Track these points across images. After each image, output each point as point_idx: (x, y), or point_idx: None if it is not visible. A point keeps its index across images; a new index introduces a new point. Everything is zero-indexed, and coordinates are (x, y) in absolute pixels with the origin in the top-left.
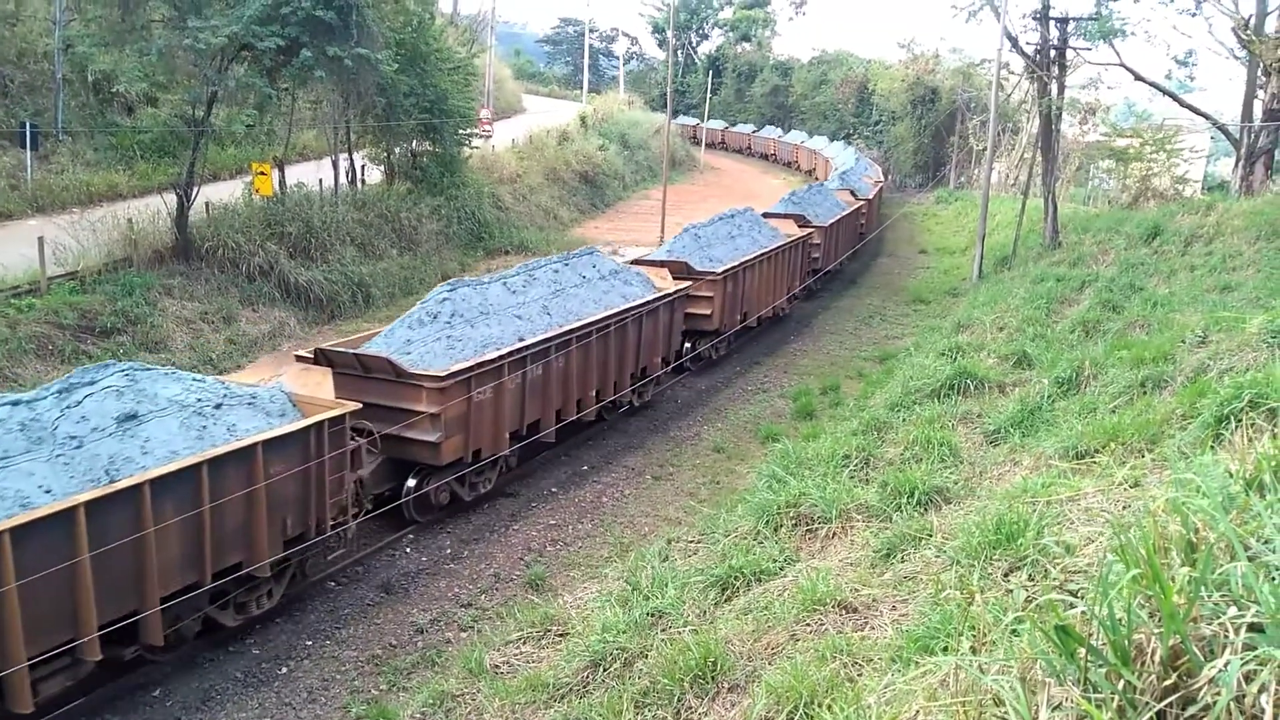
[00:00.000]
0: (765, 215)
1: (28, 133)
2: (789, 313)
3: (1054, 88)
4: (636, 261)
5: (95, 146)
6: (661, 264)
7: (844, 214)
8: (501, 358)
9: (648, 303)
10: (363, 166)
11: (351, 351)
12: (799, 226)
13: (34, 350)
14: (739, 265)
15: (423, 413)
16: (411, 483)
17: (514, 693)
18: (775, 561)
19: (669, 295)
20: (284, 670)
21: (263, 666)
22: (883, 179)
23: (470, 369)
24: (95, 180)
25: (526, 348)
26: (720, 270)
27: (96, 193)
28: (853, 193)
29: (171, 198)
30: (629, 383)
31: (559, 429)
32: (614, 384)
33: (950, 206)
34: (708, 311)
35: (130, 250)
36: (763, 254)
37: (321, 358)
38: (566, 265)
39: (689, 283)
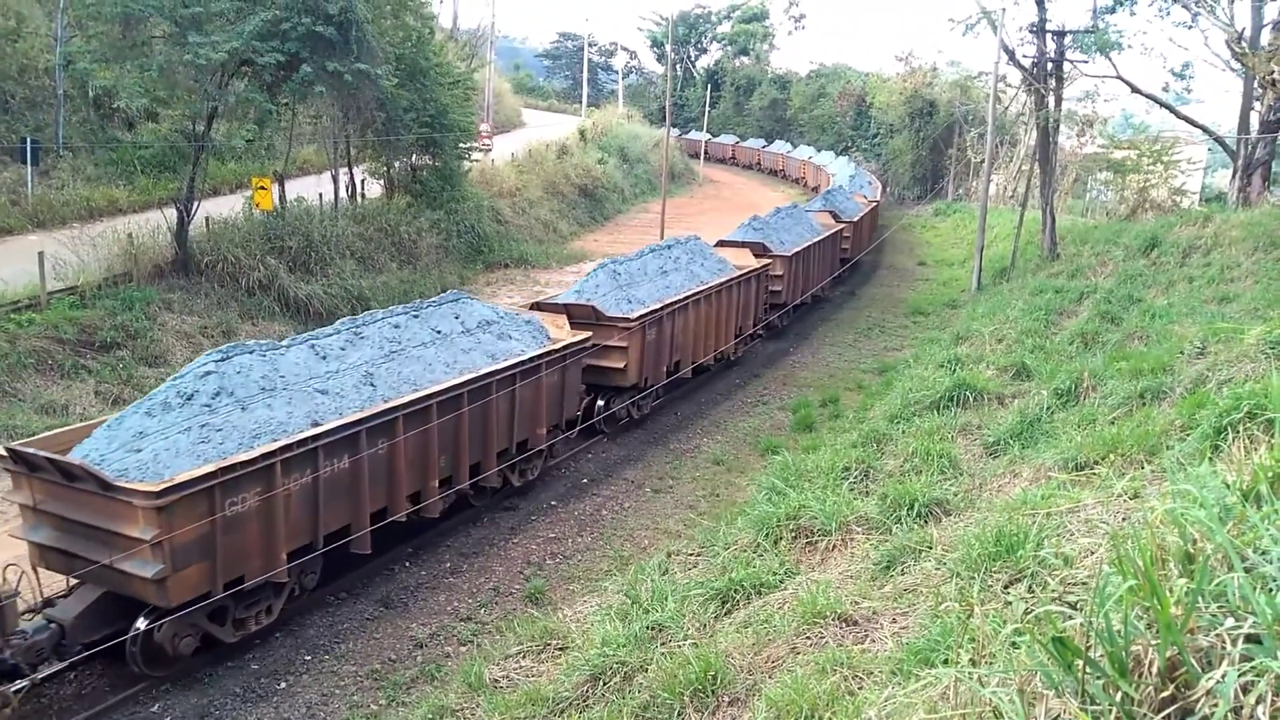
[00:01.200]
0: (720, 244)
1: (28, 148)
2: (740, 357)
3: (1051, 100)
4: (537, 306)
5: (96, 162)
6: (564, 308)
7: (816, 240)
8: (271, 454)
9: (525, 362)
10: (363, 181)
11: (45, 454)
12: (756, 256)
13: (34, 365)
14: (666, 307)
15: (137, 539)
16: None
17: (513, 707)
18: (775, 574)
19: (558, 350)
20: (283, 685)
21: (261, 682)
22: (878, 196)
23: (212, 475)
24: (95, 195)
25: (320, 435)
26: (637, 315)
27: (97, 208)
28: (834, 215)
29: (171, 212)
30: (497, 462)
31: (407, 522)
32: (473, 467)
33: (948, 219)
34: (621, 364)
35: (130, 265)
36: (698, 292)
37: (8, 459)
38: (415, 317)
39: (587, 334)
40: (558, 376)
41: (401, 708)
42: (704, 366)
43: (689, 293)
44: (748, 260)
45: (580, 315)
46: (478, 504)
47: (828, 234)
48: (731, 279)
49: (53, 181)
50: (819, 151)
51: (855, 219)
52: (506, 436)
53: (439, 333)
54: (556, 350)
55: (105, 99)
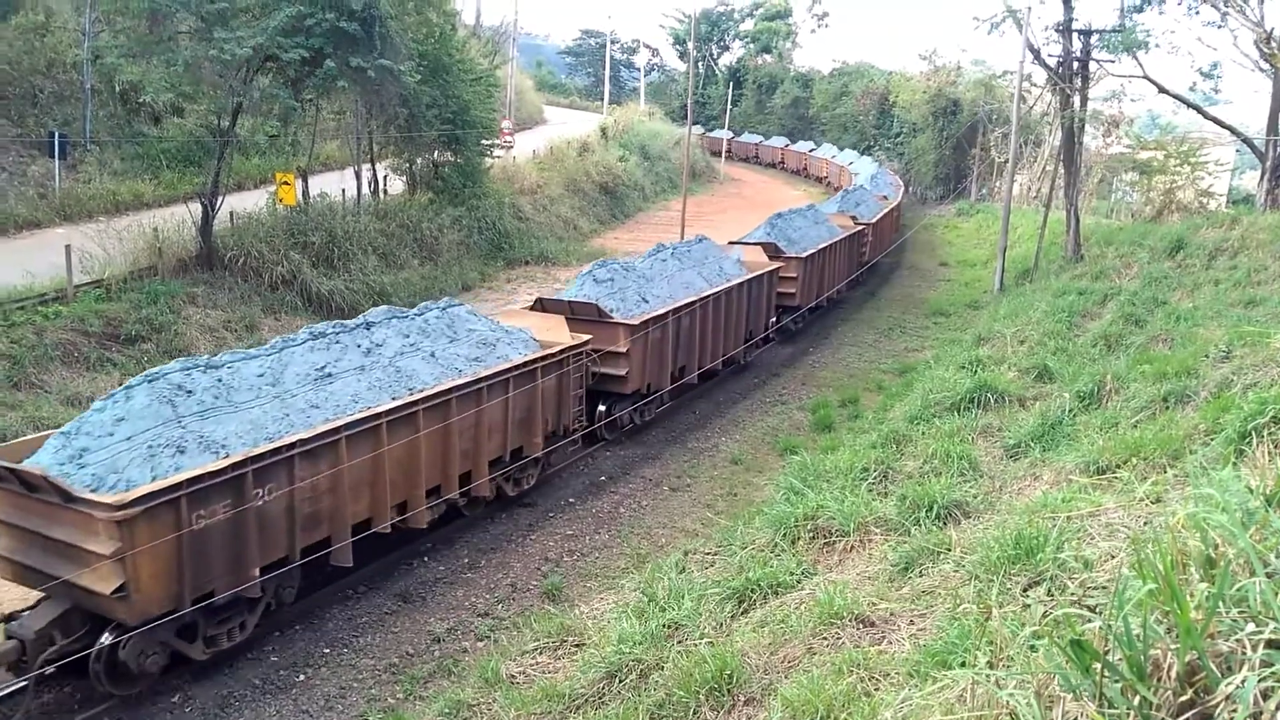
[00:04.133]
0: (733, 243)
1: (56, 142)
2: (751, 361)
3: (1077, 100)
4: (540, 303)
5: (122, 156)
6: (568, 305)
7: (832, 241)
8: (241, 464)
9: (517, 367)
10: (385, 177)
11: (6, 464)
12: (770, 257)
13: (60, 357)
14: (671, 310)
15: (98, 553)
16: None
17: (530, 703)
18: (793, 574)
19: (554, 355)
20: (301, 678)
21: (280, 674)
22: (900, 196)
23: (178, 487)
24: (121, 189)
25: (294, 445)
26: (640, 319)
27: (123, 202)
28: (853, 217)
29: (196, 207)
30: (490, 470)
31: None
32: (462, 476)
33: (971, 219)
34: (623, 371)
35: (155, 259)
36: (706, 295)
37: None
38: (402, 321)
39: (586, 336)
40: (554, 381)
41: (419, 702)
42: (712, 371)
43: (696, 296)
44: (760, 261)
45: (583, 314)
46: (469, 514)
47: (845, 235)
48: (740, 281)
49: (80, 175)
50: (841, 150)
51: (874, 220)
52: (500, 445)
53: (415, 341)
54: (552, 355)
55: (132, 94)
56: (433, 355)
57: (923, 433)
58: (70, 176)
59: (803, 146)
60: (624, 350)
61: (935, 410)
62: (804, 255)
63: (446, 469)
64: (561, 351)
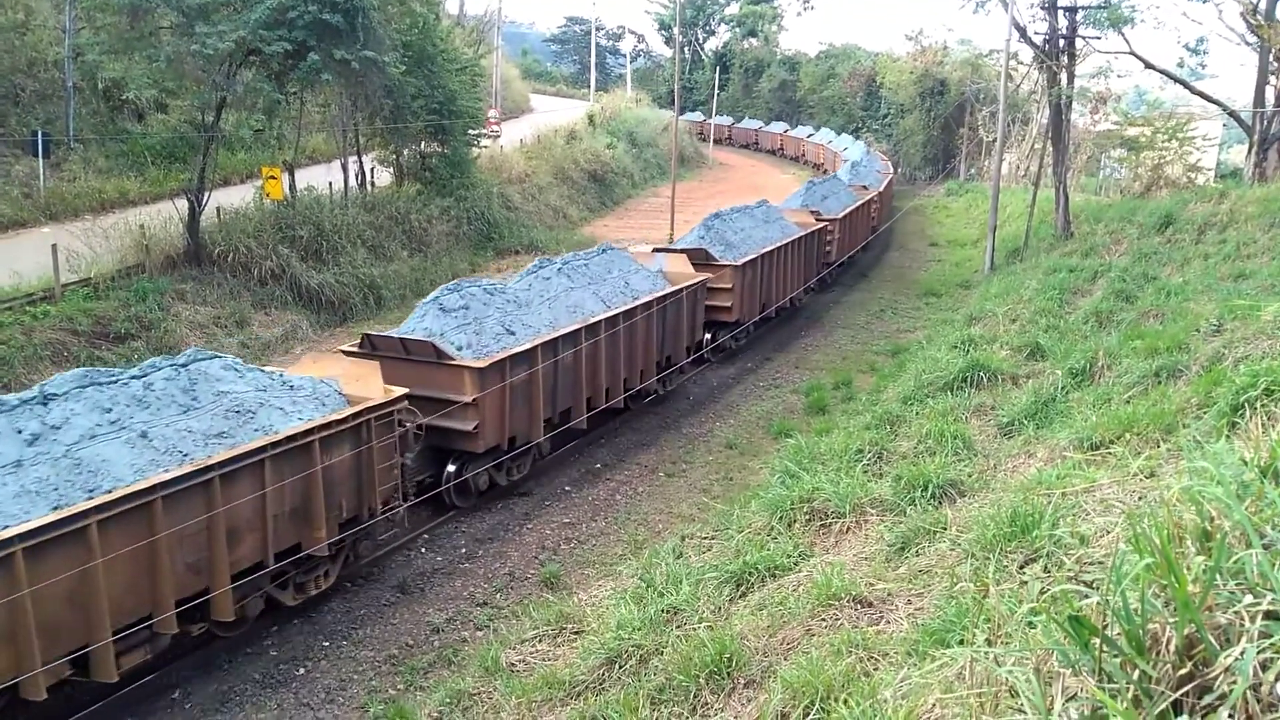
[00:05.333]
0: (658, 250)
1: (40, 141)
2: (674, 389)
3: (1063, 77)
4: (367, 343)
5: (107, 154)
6: (406, 345)
7: (783, 243)
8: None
9: (254, 451)
10: (372, 169)
11: None
12: (699, 266)
13: (49, 357)
14: (548, 341)
15: None
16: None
17: (530, 691)
18: (789, 557)
19: (327, 424)
20: (301, 671)
21: (280, 668)
22: (881, 184)
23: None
24: (107, 187)
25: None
26: (491, 359)
27: (108, 200)
28: (815, 213)
29: (183, 203)
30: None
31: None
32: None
33: (960, 199)
34: (471, 426)
35: (143, 256)
36: (595, 321)
37: None
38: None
39: (402, 391)
40: (351, 455)
41: (419, 692)
42: (615, 409)
43: (582, 322)
44: (686, 272)
45: (419, 354)
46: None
47: (800, 235)
48: (651, 298)
49: (64, 174)
50: (825, 132)
51: (841, 214)
52: (256, 548)
53: (120, 417)
54: (344, 421)
55: (114, 91)
56: (144, 436)
57: (916, 413)
58: (54, 175)
59: (802, 131)
60: (470, 400)
61: (928, 390)
62: (741, 262)
63: (157, 595)
64: (362, 413)
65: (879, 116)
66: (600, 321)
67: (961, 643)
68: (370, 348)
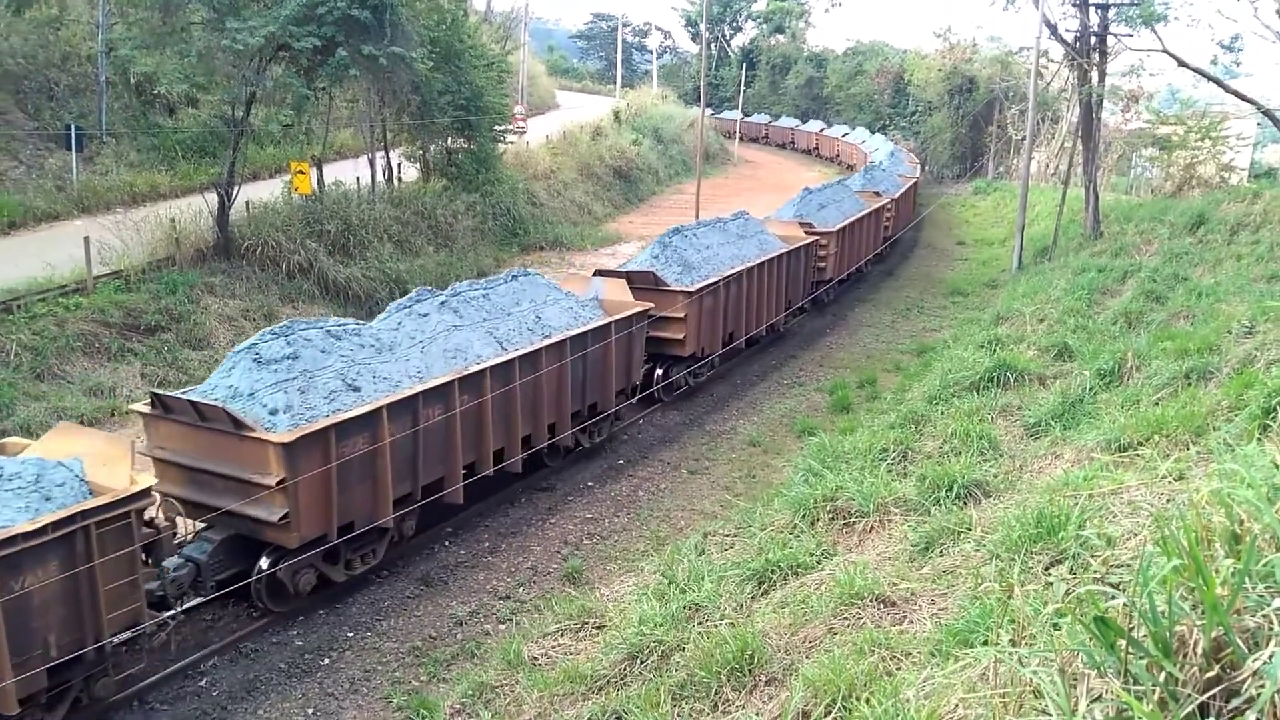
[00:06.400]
0: (600, 273)
1: (73, 135)
2: (598, 440)
3: (1094, 75)
4: (154, 408)
5: (138, 147)
6: (195, 409)
7: (758, 261)
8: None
9: None
10: (399, 164)
11: None
12: (645, 293)
13: (81, 348)
14: (402, 399)
15: None
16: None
17: (552, 684)
18: (812, 555)
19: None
20: (326, 661)
21: (305, 657)
22: (893, 192)
23: None
24: (138, 181)
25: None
26: (296, 433)
27: (139, 193)
28: (807, 225)
29: (213, 197)
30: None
31: None
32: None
33: (988, 197)
34: (275, 516)
35: (173, 249)
36: (470, 372)
37: None
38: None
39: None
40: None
41: (442, 684)
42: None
43: (460, 373)
44: (625, 301)
45: (215, 420)
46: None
47: (782, 251)
48: (566, 337)
49: (97, 167)
50: (856, 130)
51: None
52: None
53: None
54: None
55: (146, 85)
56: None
57: (942, 413)
58: (87, 169)
59: (837, 131)
60: (273, 483)
61: (954, 390)
62: (695, 287)
63: None
64: (73, 517)
65: (907, 114)
66: (484, 371)
67: (985, 643)
68: (162, 410)
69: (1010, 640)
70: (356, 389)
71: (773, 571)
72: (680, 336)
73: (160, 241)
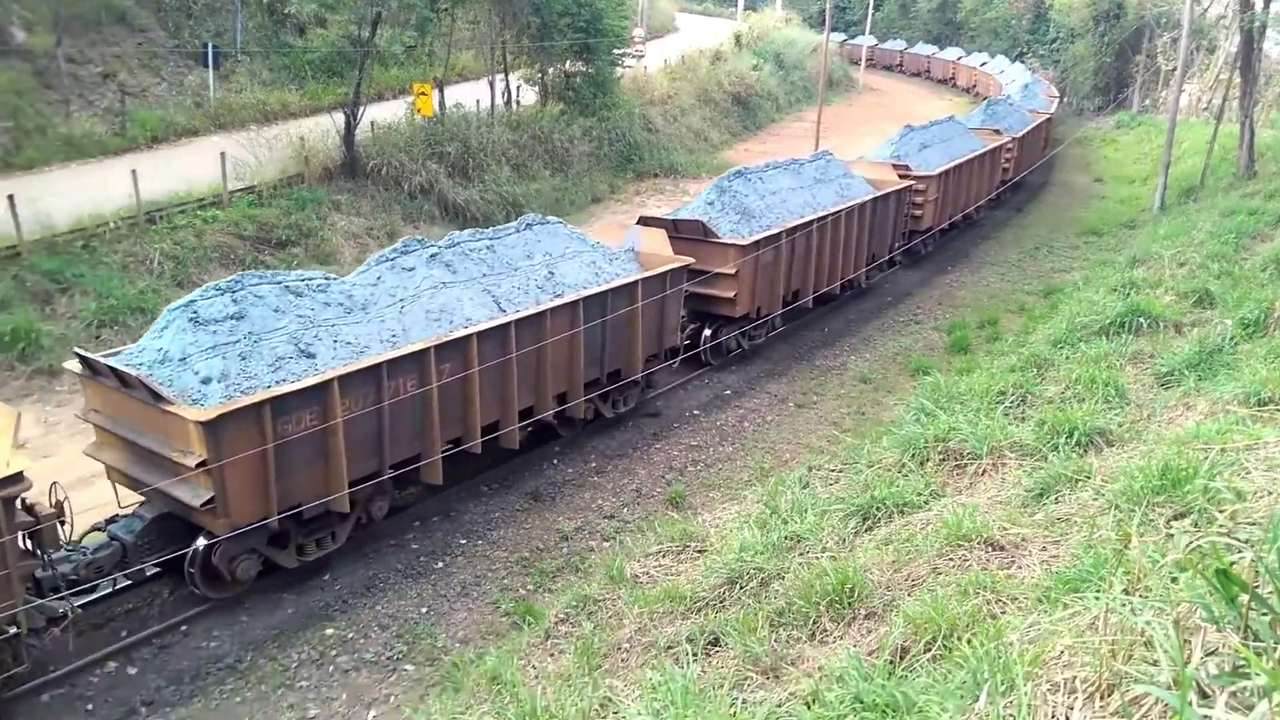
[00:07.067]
0: (646, 220)
1: (210, 53)
2: (624, 410)
3: (1259, 1)
4: (84, 370)
5: (270, 66)
6: (117, 375)
7: (833, 210)
8: None
9: None
10: (518, 87)
11: None
12: (689, 244)
13: (217, 258)
14: (363, 368)
15: None
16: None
17: (652, 601)
18: (920, 495)
19: None
20: (440, 565)
21: (421, 560)
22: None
23: None
24: (270, 99)
25: None
26: (221, 409)
27: (271, 111)
28: (903, 168)
29: (339, 116)
30: None
31: None
32: None
33: (1131, 132)
34: (199, 501)
35: (302, 166)
36: (451, 339)
37: None
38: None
39: None
40: None
41: (547, 593)
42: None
43: (437, 340)
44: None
45: (139, 390)
46: None
47: (868, 198)
48: (579, 297)
49: (232, 85)
50: (995, 59)
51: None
52: None
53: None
54: None
55: (278, 4)
56: None
57: (1066, 357)
58: (223, 86)
59: (975, 60)
60: (193, 465)
61: (1081, 334)
62: (749, 240)
63: None
64: None
65: (1046, 41)
66: (470, 337)
67: (1097, 595)
68: (90, 372)
69: (1123, 590)
70: (310, 355)
71: (878, 508)
72: (731, 295)
73: (290, 159)
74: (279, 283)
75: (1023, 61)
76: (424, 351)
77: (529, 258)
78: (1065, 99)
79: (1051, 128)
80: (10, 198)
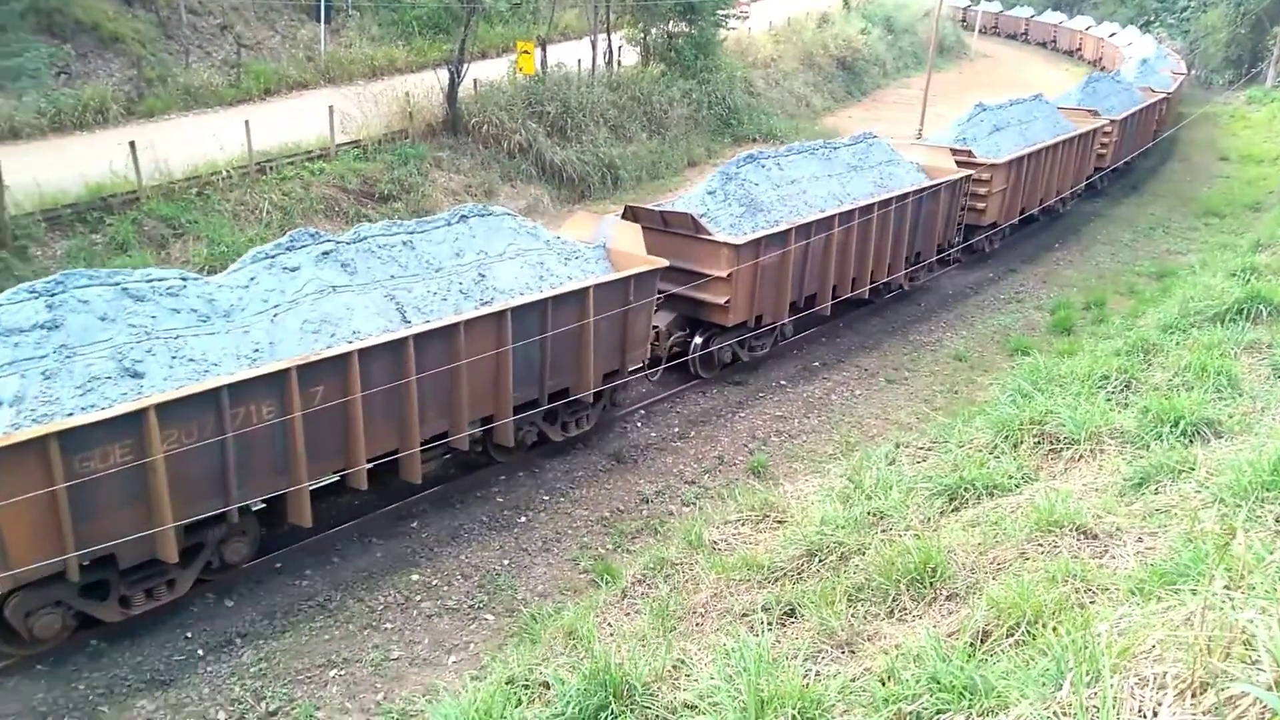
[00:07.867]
0: (631, 208)
1: (322, 7)
2: (579, 432)
3: None
4: None
5: (379, 22)
6: None
7: (865, 203)
8: None
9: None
10: (620, 47)
11: None
12: (681, 239)
13: (323, 210)
14: (213, 388)
15: None
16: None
17: (730, 569)
18: (1011, 478)
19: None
20: (523, 519)
21: (504, 514)
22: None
23: None
24: (377, 55)
25: None
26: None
27: (378, 66)
28: (965, 154)
29: (444, 73)
30: None
31: None
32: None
33: (1264, 108)
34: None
35: (406, 122)
36: (317, 358)
37: None
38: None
39: None
40: None
41: (626, 554)
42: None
43: (300, 360)
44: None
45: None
46: None
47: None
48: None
49: (341, 40)
50: (1126, 29)
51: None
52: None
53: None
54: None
55: None
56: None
57: (1177, 343)
58: (333, 41)
59: (1103, 30)
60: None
61: (1194, 320)
62: (742, 241)
63: None
64: None
65: (1176, 10)
66: (349, 355)
67: (1195, 591)
68: None
69: (1225, 586)
70: (137, 375)
71: (966, 489)
72: (722, 301)
73: (395, 114)
74: (114, 284)
75: (1149, 31)
76: (282, 373)
77: (457, 256)
78: (1193, 71)
79: (1170, 108)
80: (131, 144)
